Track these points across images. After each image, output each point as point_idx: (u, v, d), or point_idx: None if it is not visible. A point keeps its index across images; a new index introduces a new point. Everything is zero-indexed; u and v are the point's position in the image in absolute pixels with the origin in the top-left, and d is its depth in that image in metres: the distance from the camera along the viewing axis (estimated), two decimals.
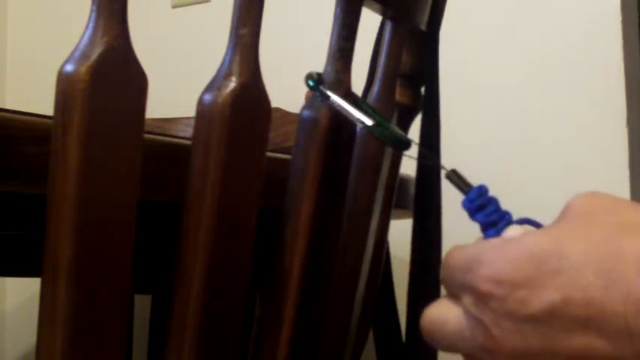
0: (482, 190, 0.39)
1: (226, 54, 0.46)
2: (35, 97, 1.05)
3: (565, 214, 0.35)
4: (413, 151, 0.48)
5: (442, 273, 0.38)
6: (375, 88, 0.59)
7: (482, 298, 0.34)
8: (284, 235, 0.52)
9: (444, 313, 0.36)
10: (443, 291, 0.39)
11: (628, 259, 0.30)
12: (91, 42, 0.40)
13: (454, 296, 0.36)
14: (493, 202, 0.38)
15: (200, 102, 0.45)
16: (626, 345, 0.30)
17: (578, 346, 0.31)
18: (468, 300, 0.35)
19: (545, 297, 0.32)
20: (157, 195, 0.49)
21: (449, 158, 0.69)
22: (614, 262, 0.30)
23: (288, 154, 0.53)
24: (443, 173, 0.41)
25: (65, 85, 0.39)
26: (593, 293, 0.30)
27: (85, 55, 0.39)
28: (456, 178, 0.40)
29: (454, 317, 0.36)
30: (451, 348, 0.36)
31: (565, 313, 0.31)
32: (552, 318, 0.31)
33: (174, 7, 1.51)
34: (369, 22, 0.58)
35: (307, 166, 0.51)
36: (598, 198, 0.35)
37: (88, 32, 0.40)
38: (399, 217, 0.74)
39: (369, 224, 0.60)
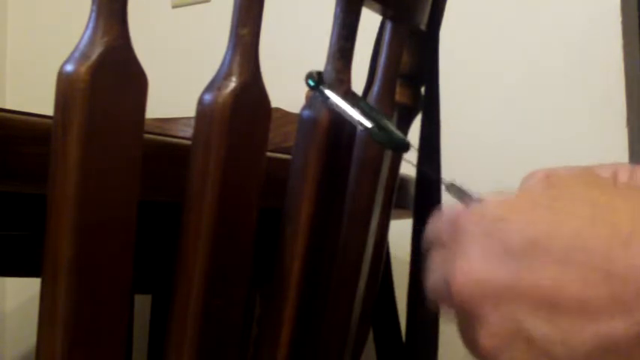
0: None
1: (226, 54, 0.46)
2: (35, 97, 1.05)
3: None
4: (414, 150, 0.48)
5: (428, 236, 0.37)
6: (375, 88, 0.59)
7: (463, 228, 0.33)
8: (284, 235, 0.52)
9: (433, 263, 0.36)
10: None
11: (620, 207, 0.30)
12: (91, 42, 0.40)
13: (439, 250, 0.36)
14: None
15: (200, 102, 0.45)
16: (600, 285, 0.29)
17: (546, 282, 0.30)
18: (449, 238, 0.34)
19: (528, 231, 0.31)
20: (157, 195, 0.49)
21: (449, 158, 0.69)
22: (606, 203, 0.30)
23: (288, 154, 0.53)
24: (442, 178, 0.41)
25: (65, 85, 0.39)
26: (582, 225, 0.30)
27: (85, 55, 0.39)
28: (456, 190, 0.40)
29: (437, 260, 0.35)
30: (436, 295, 0.36)
31: (545, 245, 0.30)
32: (529, 252, 0.30)
33: (174, 7, 1.51)
34: (369, 22, 0.58)
35: (307, 166, 0.51)
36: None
37: (88, 32, 0.40)
38: (399, 217, 0.74)
39: (369, 224, 0.60)
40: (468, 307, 0.32)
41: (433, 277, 0.35)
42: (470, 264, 0.32)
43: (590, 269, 0.29)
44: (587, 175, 0.34)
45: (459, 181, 0.40)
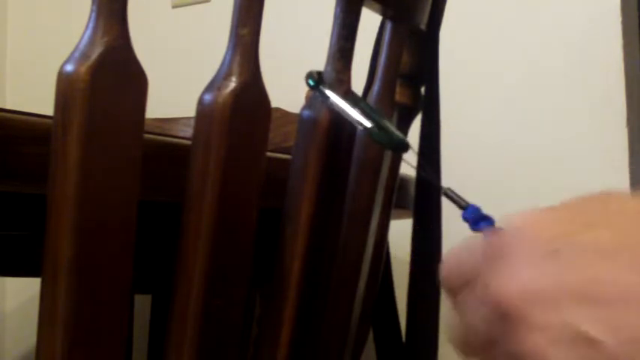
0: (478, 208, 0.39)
1: (226, 54, 0.46)
2: (35, 97, 1.05)
3: None
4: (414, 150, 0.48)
5: (446, 271, 0.36)
6: (375, 88, 0.59)
7: (501, 246, 0.33)
8: (284, 235, 0.52)
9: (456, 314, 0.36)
10: (443, 292, 0.38)
11: None
12: (91, 42, 0.40)
13: (466, 289, 0.35)
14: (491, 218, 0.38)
15: (200, 102, 0.45)
16: None
17: (591, 278, 0.30)
18: (484, 267, 0.34)
19: (568, 234, 0.31)
20: (157, 195, 0.49)
21: (449, 158, 0.69)
22: None
23: (288, 154, 0.53)
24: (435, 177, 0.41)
25: (65, 85, 0.39)
26: (620, 224, 0.31)
27: (85, 55, 0.39)
28: (452, 195, 0.40)
29: (468, 297, 0.34)
30: (469, 345, 0.35)
31: (586, 244, 0.31)
32: (570, 252, 0.31)
33: (174, 7, 1.51)
34: (369, 22, 0.58)
35: (307, 166, 0.51)
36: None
37: (88, 32, 0.40)
38: (399, 217, 0.74)
39: (369, 224, 0.60)
40: (516, 315, 0.32)
41: (469, 316, 0.34)
42: (513, 273, 0.32)
43: (633, 261, 0.30)
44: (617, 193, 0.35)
45: (455, 187, 0.40)
